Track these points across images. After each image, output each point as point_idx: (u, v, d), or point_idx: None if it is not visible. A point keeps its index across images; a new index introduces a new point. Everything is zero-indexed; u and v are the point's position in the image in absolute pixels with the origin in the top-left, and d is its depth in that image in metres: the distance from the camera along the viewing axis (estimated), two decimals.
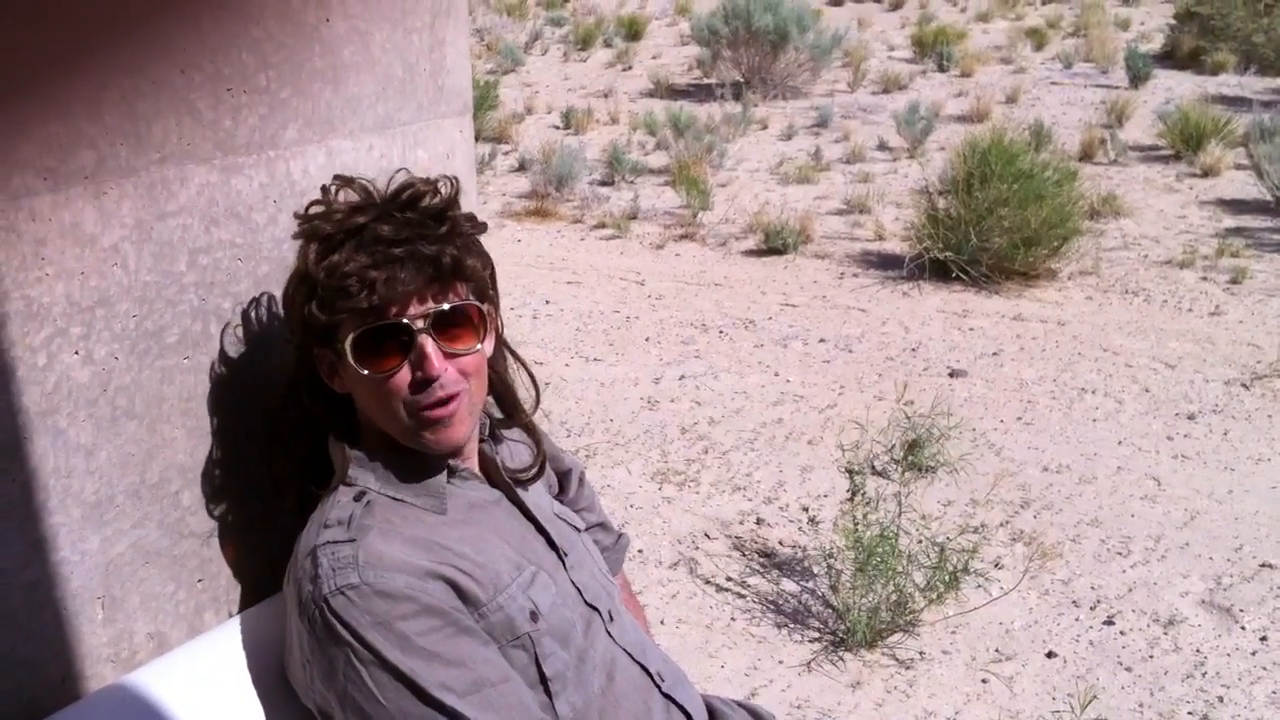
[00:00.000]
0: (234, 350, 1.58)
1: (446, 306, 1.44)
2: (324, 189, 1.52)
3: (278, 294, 1.61)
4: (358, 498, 1.44)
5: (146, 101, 1.40)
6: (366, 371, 1.42)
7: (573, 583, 1.55)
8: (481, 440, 1.61)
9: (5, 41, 1.25)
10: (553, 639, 1.44)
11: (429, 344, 1.42)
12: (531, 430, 1.72)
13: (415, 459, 1.49)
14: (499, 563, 1.45)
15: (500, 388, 1.68)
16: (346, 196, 1.51)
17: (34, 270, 1.31)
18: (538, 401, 1.73)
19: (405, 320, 1.41)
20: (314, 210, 1.49)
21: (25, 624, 1.35)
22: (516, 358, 1.71)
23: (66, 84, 1.32)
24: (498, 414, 1.71)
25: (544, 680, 1.41)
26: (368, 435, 1.52)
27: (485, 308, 1.51)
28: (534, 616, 1.42)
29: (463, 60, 1.94)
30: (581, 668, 1.47)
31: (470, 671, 1.32)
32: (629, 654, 1.57)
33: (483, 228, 1.54)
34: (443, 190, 1.50)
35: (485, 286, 1.54)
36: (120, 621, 1.47)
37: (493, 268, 1.57)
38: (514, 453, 1.70)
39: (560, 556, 1.57)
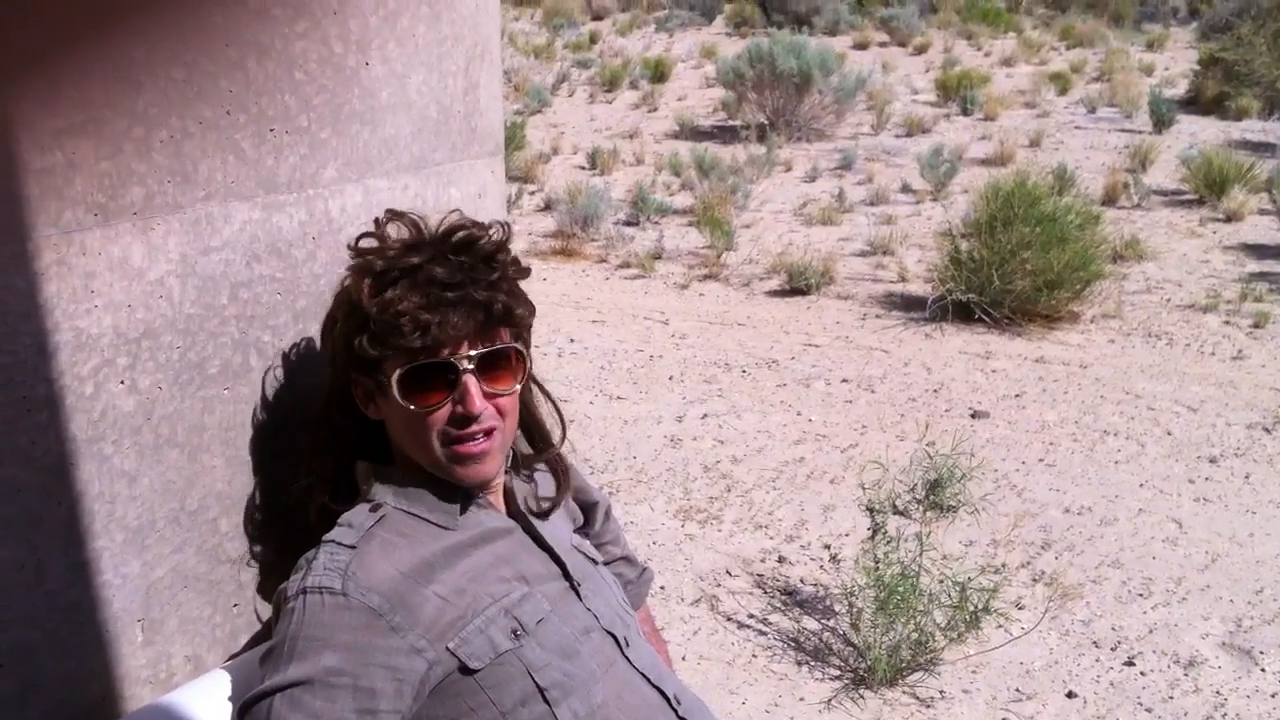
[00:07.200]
0: (273, 382, 1.63)
1: (491, 349, 1.51)
2: (376, 222, 1.58)
3: (316, 328, 1.66)
4: (374, 509, 1.51)
5: (194, 141, 1.46)
6: (412, 406, 1.48)
7: (588, 609, 1.59)
8: (505, 473, 1.66)
9: (59, 84, 1.31)
10: (545, 650, 1.47)
11: (473, 383, 1.49)
12: (559, 463, 1.77)
13: (439, 486, 1.54)
14: (491, 585, 1.50)
15: (530, 422, 1.73)
16: (398, 231, 1.56)
17: (83, 302, 1.37)
18: (564, 436, 1.77)
19: (453, 360, 1.48)
20: (366, 244, 1.55)
21: (67, 644, 1.40)
22: (545, 394, 1.75)
23: (117, 124, 1.38)
24: (525, 449, 1.76)
25: (540, 690, 1.44)
26: (397, 461, 1.57)
27: (524, 350, 1.58)
28: (516, 634, 1.46)
29: (495, 102, 2.00)
30: (591, 685, 1.50)
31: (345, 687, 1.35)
32: (646, 678, 1.59)
33: (526, 272, 1.61)
34: (494, 235, 1.55)
35: (525, 331, 1.60)
36: (159, 644, 1.51)
37: (533, 313, 1.62)
38: (542, 487, 1.74)
39: (574, 585, 1.60)
